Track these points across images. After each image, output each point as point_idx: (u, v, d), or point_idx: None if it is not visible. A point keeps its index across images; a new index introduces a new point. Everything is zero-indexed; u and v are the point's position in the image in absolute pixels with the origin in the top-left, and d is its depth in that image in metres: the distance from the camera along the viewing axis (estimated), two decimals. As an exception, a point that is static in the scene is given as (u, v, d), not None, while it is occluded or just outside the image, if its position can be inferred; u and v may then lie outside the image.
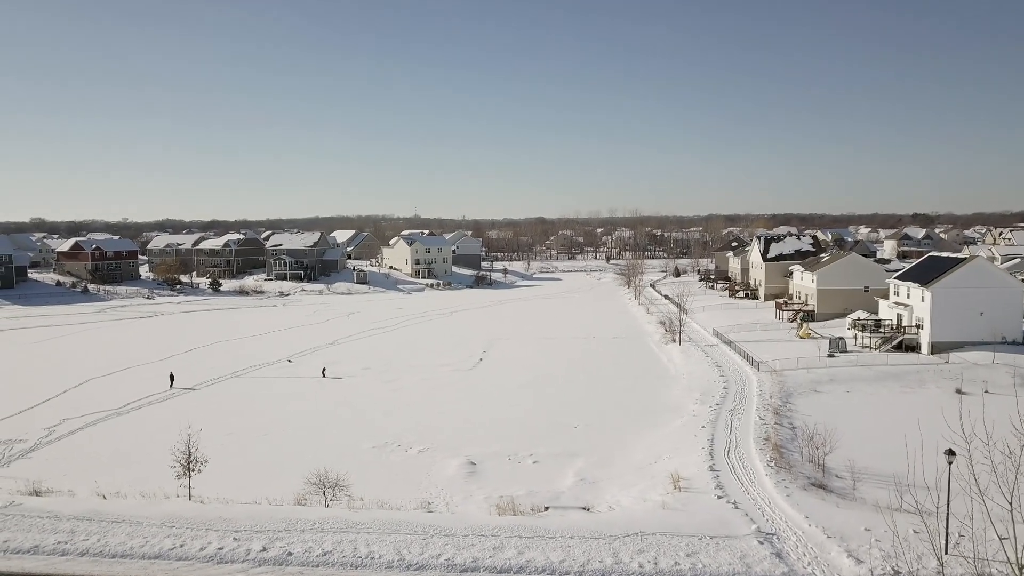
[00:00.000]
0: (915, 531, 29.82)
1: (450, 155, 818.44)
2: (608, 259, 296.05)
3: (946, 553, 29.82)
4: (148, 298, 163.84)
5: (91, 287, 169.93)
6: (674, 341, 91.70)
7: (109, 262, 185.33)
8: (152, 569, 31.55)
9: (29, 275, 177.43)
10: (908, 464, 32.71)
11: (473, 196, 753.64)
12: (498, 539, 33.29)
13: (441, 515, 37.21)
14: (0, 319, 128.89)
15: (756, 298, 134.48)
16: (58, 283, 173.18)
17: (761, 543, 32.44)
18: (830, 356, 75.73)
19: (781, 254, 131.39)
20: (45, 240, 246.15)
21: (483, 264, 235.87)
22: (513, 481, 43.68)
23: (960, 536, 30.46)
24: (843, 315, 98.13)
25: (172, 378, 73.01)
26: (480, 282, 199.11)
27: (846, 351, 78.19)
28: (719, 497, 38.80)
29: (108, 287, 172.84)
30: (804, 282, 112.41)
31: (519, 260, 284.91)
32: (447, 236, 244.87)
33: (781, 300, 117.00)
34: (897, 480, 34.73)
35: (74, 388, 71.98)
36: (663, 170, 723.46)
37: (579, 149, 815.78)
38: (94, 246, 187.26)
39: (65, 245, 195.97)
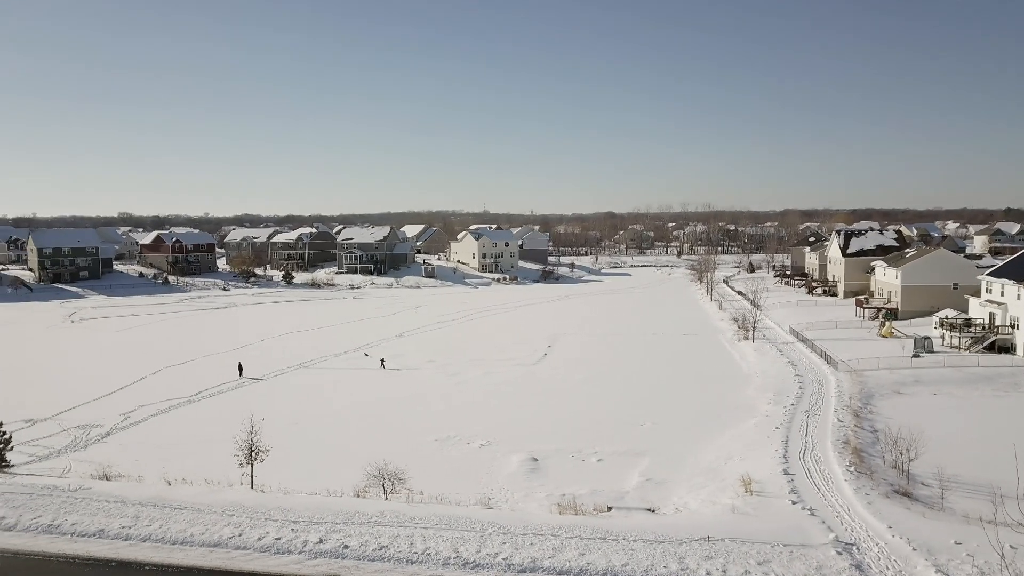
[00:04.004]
0: (1012, 547, 27.33)
1: (519, 151, 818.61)
2: (679, 254, 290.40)
3: (1049, 573, 27.20)
4: (224, 290, 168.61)
5: (171, 279, 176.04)
6: (747, 338, 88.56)
7: (188, 255, 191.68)
8: (211, 557, 31.60)
9: (114, 267, 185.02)
10: (1004, 473, 30.06)
11: (542, 192, 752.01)
12: (558, 539, 32.11)
13: (500, 512, 36.24)
14: (86, 308, 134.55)
15: (834, 295, 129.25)
16: (140, 274, 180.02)
17: (839, 553, 30.32)
18: (915, 356, 71.63)
19: (862, 249, 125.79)
20: (130, 233, 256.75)
21: (550, 259, 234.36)
22: (576, 479, 42.40)
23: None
24: (929, 313, 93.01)
25: (241, 368, 74.34)
26: (546, 277, 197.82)
27: (932, 351, 73.82)
28: (794, 503, 36.67)
29: (187, 279, 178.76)
30: (887, 278, 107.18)
31: (587, 255, 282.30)
32: (514, 231, 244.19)
33: (861, 297, 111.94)
34: (993, 490, 32.05)
35: (150, 375, 74.08)
36: (737, 164, 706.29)
37: (649, 142, 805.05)
38: (175, 239, 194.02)
39: (148, 238, 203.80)
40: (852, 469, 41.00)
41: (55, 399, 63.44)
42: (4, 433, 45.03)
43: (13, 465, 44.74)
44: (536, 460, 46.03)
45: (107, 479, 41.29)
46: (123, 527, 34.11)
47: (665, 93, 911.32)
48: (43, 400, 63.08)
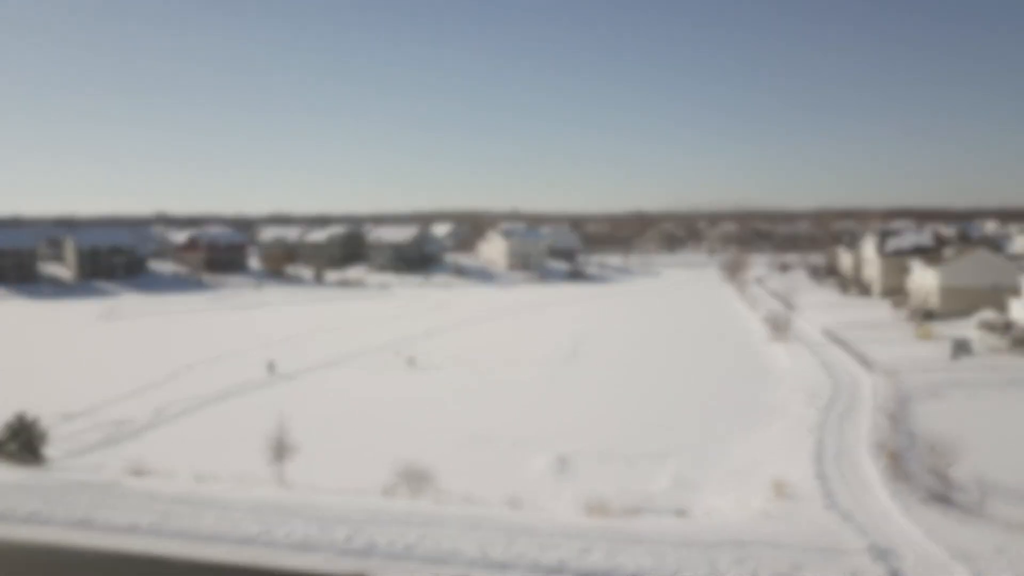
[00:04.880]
0: (1058, 557, 26.41)
1: (549, 150, 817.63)
2: (711, 253, 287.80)
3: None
4: (256, 288, 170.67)
5: (204, 277, 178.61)
6: (780, 339, 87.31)
7: (221, 254, 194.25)
8: (239, 553, 31.77)
9: (150, 265, 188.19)
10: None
11: (572, 190, 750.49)
12: (586, 541, 31.75)
13: (528, 512, 36.03)
14: (122, 306, 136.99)
15: (869, 295, 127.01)
16: (175, 273, 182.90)
17: (875, 560, 29.57)
18: (953, 359, 70.02)
19: (898, 249, 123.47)
20: (165, 232, 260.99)
21: (579, 258, 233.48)
22: (604, 480, 41.99)
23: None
24: (968, 315, 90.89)
25: (271, 366, 75.01)
26: (575, 276, 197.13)
27: (971, 354, 72.10)
28: (827, 507, 35.92)
29: (220, 277, 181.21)
30: (924, 279, 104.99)
31: (617, 254, 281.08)
32: (543, 230, 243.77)
33: (897, 298, 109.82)
34: (1036, 497, 31.04)
35: (184, 371, 75.06)
36: (770, 162, 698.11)
37: (680, 140, 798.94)
38: (207, 238, 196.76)
39: (182, 237, 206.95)
40: (888, 473, 40.10)
41: (89, 395, 64.49)
42: (39, 428, 45.85)
43: (48, 460, 45.53)
44: (564, 461, 45.69)
45: (138, 475, 41.82)
46: (154, 522, 34.45)
47: (696, 91, 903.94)
48: (78, 395, 64.18)
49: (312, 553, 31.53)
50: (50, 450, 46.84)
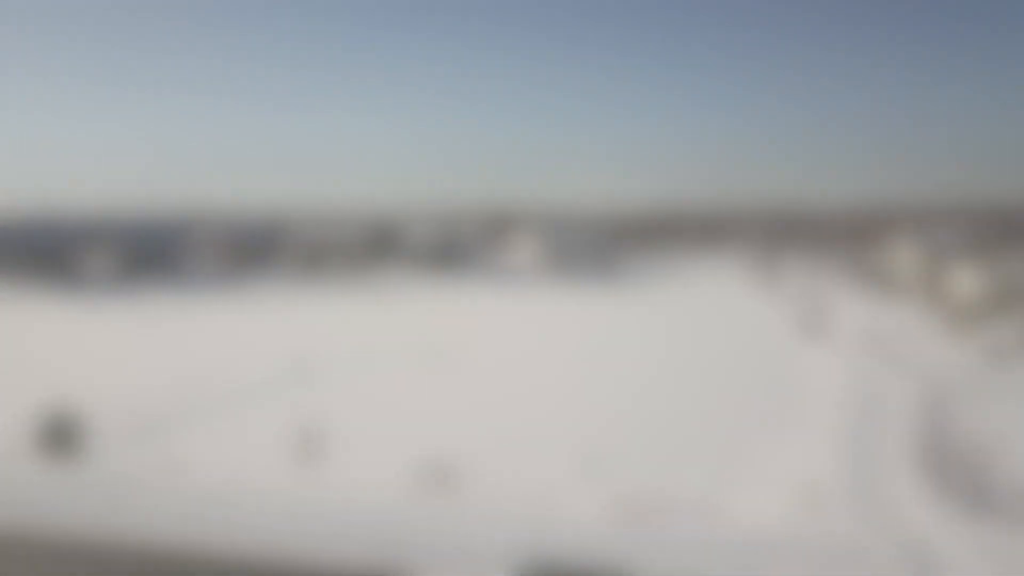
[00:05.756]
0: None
1: (587, 141, 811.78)
2: (744, 258, 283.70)
3: None
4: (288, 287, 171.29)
5: (233, 272, 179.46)
6: (814, 338, 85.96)
7: (253, 251, 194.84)
8: (272, 547, 32.08)
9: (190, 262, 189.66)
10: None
11: (611, 187, 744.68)
12: (618, 542, 31.63)
13: (557, 516, 35.95)
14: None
15: (917, 295, 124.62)
16: (213, 270, 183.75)
17: (907, 564, 29.02)
18: (990, 364, 68.48)
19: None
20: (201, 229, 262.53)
21: (617, 258, 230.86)
22: (637, 483, 41.77)
23: None
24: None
25: (299, 365, 75.08)
26: (609, 277, 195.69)
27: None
28: (859, 512, 35.32)
29: (249, 273, 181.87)
30: (968, 282, 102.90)
31: (659, 255, 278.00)
32: (578, 232, 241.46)
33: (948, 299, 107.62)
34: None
35: (218, 370, 76.02)
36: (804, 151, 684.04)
37: (735, 127, 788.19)
38: (241, 235, 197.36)
39: (217, 233, 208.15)
40: (924, 478, 39.32)
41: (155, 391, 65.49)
42: (87, 424, 46.63)
43: (94, 454, 46.31)
44: (594, 463, 45.50)
45: (177, 471, 42.40)
46: (191, 516, 34.95)
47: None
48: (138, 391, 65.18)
49: (346, 547, 31.84)
50: (96, 445, 47.54)
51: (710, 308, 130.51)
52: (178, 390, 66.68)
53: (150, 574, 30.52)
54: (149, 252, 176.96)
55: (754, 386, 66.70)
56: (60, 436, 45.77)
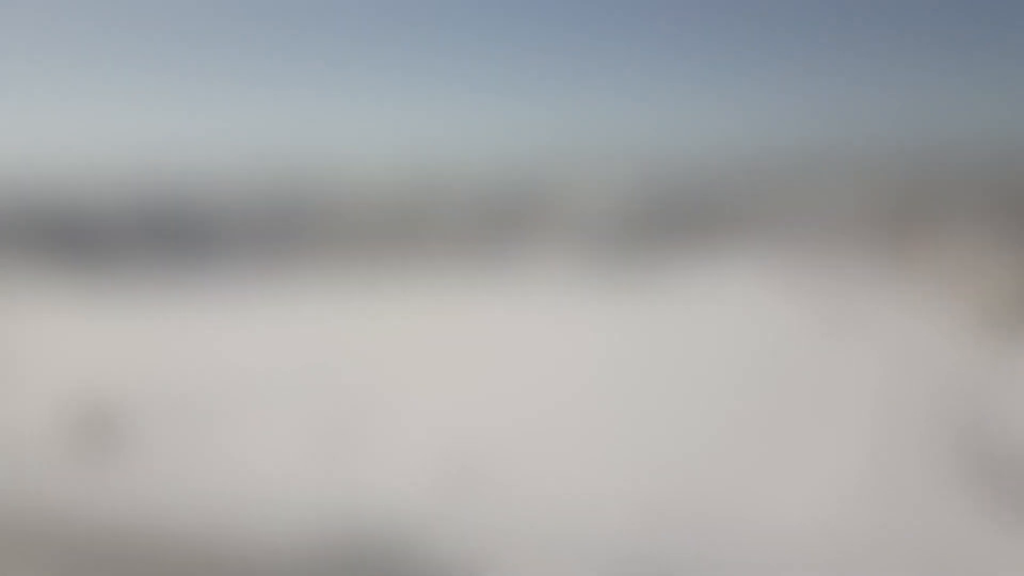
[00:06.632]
0: None
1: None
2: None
3: None
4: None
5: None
6: (846, 336, 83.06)
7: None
8: (292, 543, 31.41)
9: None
10: None
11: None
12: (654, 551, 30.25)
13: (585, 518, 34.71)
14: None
15: None
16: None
17: (944, 572, 27.18)
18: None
19: None
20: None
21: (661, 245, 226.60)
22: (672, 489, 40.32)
23: None
24: None
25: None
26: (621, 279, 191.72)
27: None
28: (896, 518, 33.47)
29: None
30: None
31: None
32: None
33: None
34: None
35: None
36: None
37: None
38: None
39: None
40: (971, 490, 37.31)
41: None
42: (123, 418, 46.33)
43: (129, 452, 46.04)
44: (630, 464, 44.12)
45: (207, 470, 41.95)
46: (219, 512, 34.44)
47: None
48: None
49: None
50: (128, 441, 47.33)
51: (750, 306, 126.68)
52: (205, 381, 66.46)
53: (180, 567, 29.84)
54: (163, 228, 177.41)
55: (791, 388, 64.48)
56: (94, 428, 45.50)
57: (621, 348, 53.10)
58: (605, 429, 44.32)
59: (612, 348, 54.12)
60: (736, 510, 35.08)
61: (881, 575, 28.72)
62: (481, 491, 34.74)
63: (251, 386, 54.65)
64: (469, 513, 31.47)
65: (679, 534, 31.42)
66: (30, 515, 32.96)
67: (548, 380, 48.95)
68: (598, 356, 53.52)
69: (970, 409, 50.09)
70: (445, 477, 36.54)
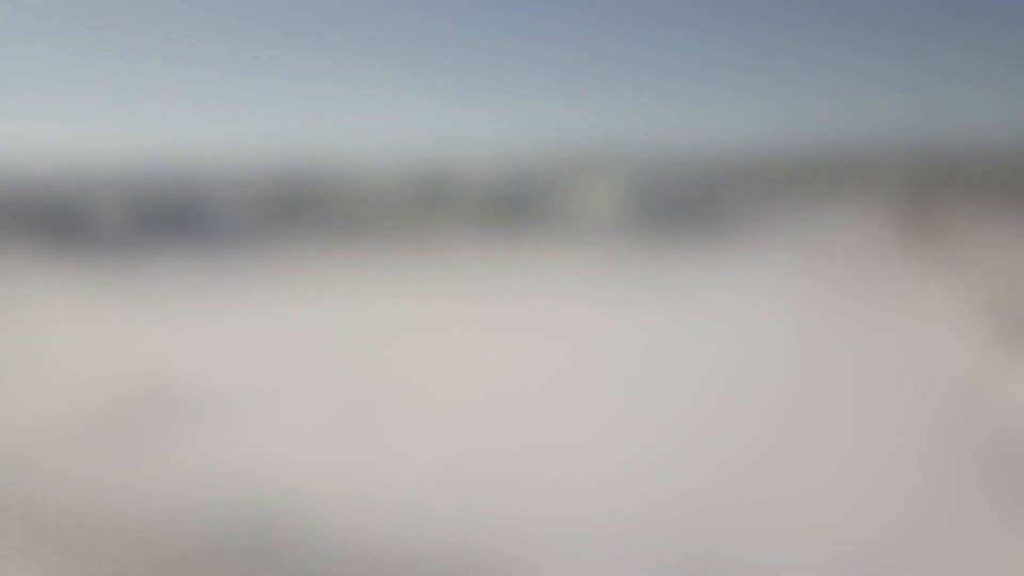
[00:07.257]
0: None
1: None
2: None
3: None
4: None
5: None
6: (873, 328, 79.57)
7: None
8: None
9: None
10: None
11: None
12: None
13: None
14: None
15: None
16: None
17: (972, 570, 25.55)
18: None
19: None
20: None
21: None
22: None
23: None
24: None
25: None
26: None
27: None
28: (926, 518, 31.80)
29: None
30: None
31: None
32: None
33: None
34: None
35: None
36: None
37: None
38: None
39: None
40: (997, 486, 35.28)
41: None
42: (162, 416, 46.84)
43: (144, 446, 46.63)
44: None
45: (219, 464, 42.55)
46: (231, 505, 35.34)
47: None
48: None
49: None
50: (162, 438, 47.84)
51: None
52: (217, 378, 67.10)
53: (202, 558, 30.51)
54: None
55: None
56: (111, 422, 46.21)
57: (630, 345, 51.50)
58: (614, 425, 42.88)
59: (621, 345, 52.58)
60: (741, 509, 33.24)
61: (897, 570, 26.94)
62: (491, 487, 33.82)
63: (264, 383, 54.52)
64: (479, 510, 30.66)
65: (690, 532, 29.92)
66: (49, 508, 33.37)
67: (555, 378, 47.81)
68: (607, 352, 52.09)
69: (979, 407, 46.79)
70: (456, 472, 35.72)
